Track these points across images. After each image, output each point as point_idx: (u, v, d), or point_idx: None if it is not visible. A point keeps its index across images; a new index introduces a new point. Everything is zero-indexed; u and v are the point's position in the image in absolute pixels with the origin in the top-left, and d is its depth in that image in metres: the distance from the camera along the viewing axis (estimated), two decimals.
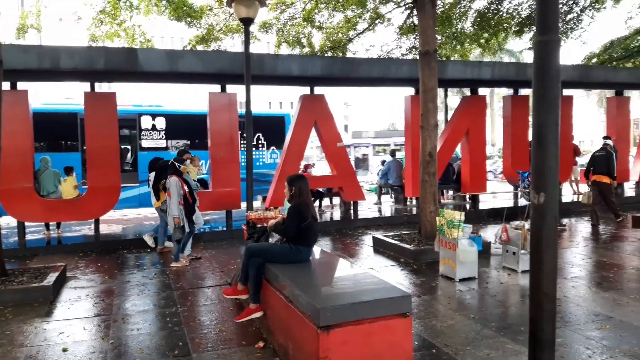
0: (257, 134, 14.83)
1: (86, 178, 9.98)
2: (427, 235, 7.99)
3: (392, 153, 14.65)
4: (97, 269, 7.58)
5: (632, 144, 17.40)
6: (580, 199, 11.64)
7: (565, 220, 10.89)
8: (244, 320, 4.65)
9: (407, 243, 7.90)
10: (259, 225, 5.16)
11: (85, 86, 9.66)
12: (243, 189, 10.22)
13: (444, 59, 15.29)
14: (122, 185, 9.92)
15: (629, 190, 14.25)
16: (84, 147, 10.87)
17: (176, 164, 7.39)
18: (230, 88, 10.39)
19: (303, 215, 4.57)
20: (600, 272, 6.72)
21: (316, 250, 5.04)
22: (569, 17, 13.71)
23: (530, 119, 2.56)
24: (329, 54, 14.64)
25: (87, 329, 4.93)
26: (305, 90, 11.10)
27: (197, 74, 9.72)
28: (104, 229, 10.59)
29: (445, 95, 16.54)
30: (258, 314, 4.56)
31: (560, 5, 13.38)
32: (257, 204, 9.02)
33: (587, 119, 44.47)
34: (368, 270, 6.94)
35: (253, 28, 14.64)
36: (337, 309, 3.21)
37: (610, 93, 14.75)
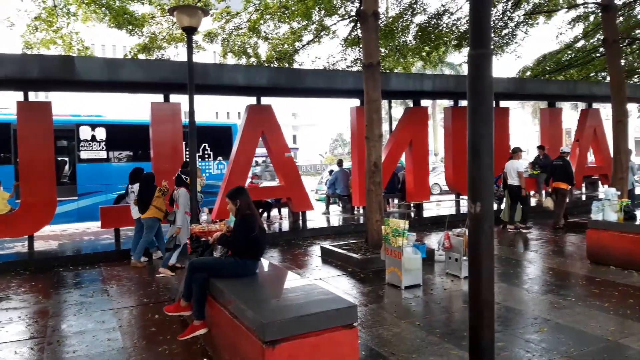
0: (203, 145, 14.58)
1: (18, 191, 9.43)
2: (373, 244, 8.08)
3: (340, 163, 14.78)
4: (31, 288, 7.15)
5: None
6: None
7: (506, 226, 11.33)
8: (188, 338, 4.50)
9: (355, 252, 7.96)
10: (203, 239, 5.03)
11: (19, 95, 9.16)
12: None
13: (388, 71, 15.66)
14: (59, 199, 9.44)
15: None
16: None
17: (183, 176, 7.61)
18: (175, 98, 10.17)
19: (251, 227, 4.51)
20: (539, 275, 7.03)
21: (263, 263, 4.98)
22: (504, 32, 14.39)
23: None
24: (276, 64, 14.65)
25: (19, 353, 4.62)
26: (252, 100, 11.04)
27: (139, 83, 9.43)
28: (39, 245, 10.01)
29: (390, 107, 16.97)
30: (202, 331, 4.43)
31: (496, 21, 14.09)
32: (205, 216, 8.84)
33: (523, 129, 46.69)
34: (315, 281, 6.93)
35: (198, 37, 14.43)
36: (282, 323, 3.16)
37: (543, 104, 15.57)
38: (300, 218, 11.84)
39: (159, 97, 10.08)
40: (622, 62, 15.17)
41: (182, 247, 7.40)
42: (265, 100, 11.27)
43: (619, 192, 7.73)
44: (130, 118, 14.44)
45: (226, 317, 3.87)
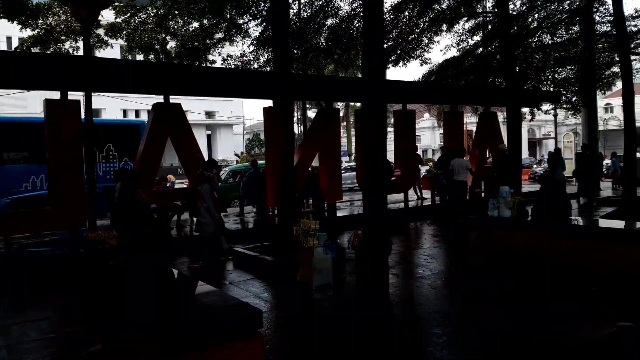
0: (108, 145, 13.75)
1: None
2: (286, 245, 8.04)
3: (253, 164, 14.60)
4: None
5: (467, 153, 19.53)
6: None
7: (412, 224, 11.80)
8: (83, 355, 4.17)
9: (267, 254, 7.87)
10: (99, 247, 4.68)
11: None
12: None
13: (301, 72, 15.74)
14: None
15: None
16: None
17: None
18: (75, 95, 9.45)
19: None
20: (441, 270, 7.37)
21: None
22: (410, 37, 15.01)
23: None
24: (186, 62, 14.17)
25: None
26: (160, 98, 10.57)
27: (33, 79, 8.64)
28: None
29: (304, 108, 17.06)
30: (97, 348, 4.12)
31: (403, 27, 14.65)
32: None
33: (430, 132, 49.22)
34: (226, 286, 6.77)
35: (101, 31, 13.60)
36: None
37: (447, 107, 16.44)
38: None
39: (55, 94, 9.32)
40: (516, 68, 16.47)
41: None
42: (175, 99, 10.83)
43: (512, 190, 8.31)
44: (26, 115, 13.26)
45: None
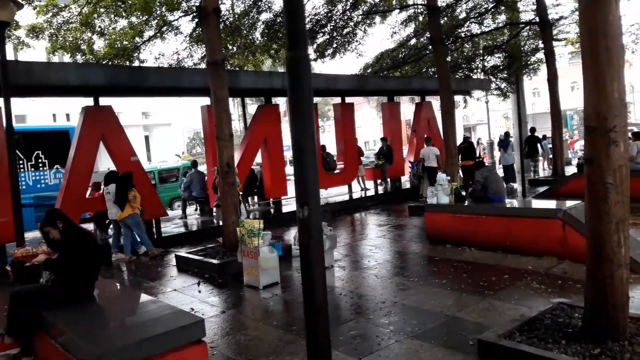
0: (36, 152, 13.02)
1: None
2: (231, 247, 7.91)
3: (194, 164, 14.26)
4: None
5: (406, 142, 20.04)
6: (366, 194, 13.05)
7: (357, 215, 11.94)
8: None
9: (212, 257, 7.72)
10: (27, 264, 4.42)
11: None
12: (27, 216, 8.93)
13: (238, 68, 15.49)
14: None
15: (405, 182, 16.36)
16: None
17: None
18: None
19: (84, 246, 4.06)
20: (386, 260, 7.51)
21: (101, 284, 4.53)
22: (345, 31, 15.10)
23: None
24: (116, 62, 13.58)
25: None
26: (89, 101, 10.10)
27: None
28: None
29: (243, 105, 16.83)
30: None
31: (338, 20, 14.71)
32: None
33: (371, 123, 49.95)
34: (169, 293, 6.59)
35: (21, 33, 12.79)
36: (121, 351, 2.89)
37: (384, 99, 16.74)
38: (154, 225, 11.17)
39: None
40: (448, 58, 16.97)
41: None
42: (105, 101, 10.38)
43: (449, 177, 8.60)
44: None
45: (58, 352, 3.44)
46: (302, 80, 2.38)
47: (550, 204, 7.68)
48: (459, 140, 13.71)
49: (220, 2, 13.98)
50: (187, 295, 6.41)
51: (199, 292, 6.55)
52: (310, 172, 2.34)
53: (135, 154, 10.79)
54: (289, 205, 13.23)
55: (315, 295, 2.40)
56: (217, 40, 8.17)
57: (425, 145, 13.89)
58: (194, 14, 13.09)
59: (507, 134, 16.15)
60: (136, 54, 14.16)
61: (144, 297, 4.24)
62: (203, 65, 14.37)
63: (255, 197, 14.37)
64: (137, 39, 13.88)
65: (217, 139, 8.14)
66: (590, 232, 3.75)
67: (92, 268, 4.13)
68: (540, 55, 17.06)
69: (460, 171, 12.91)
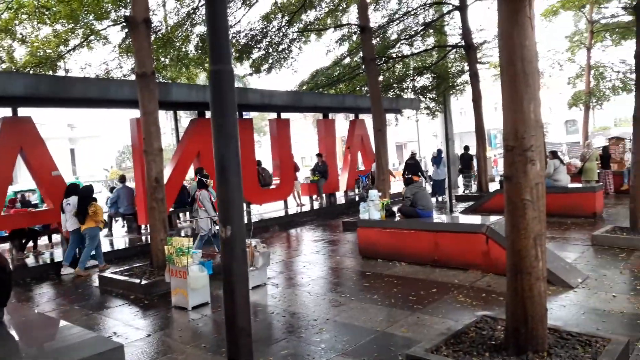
0: None
1: None
2: (159, 266, 7.59)
3: (122, 179, 13.65)
4: None
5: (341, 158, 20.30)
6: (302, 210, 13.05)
7: (292, 231, 11.89)
8: None
9: (138, 277, 7.36)
10: None
11: None
12: None
13: (170, 81, 15.11)
14: None
15: (339, 198, 16.54)
16: None
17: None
18: None
19: None
20: (319, 276, 7.49)
21: (13, 308, 4.17)
22: (280, 47, 15.17)
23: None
24: (39, 71, 12.82)
25: None
26: (7, 111, 9.45)
27: None
28: None
29: (176, 118, 16.39)
30: None
31: (273, 37, 14.76)
32: None
33: (308, 139, 50.30)
34: (91, 316, 6.19)
35: None
36: None
37: (319, 115, 16.91)
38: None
39: None
40: (380, 77, 17.47)
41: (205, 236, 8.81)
42: (24, 112, 9.75)
43: (380, 193, 8.76)
44: None
45: None
46: (225, 94, 2.31)
47: (475, 219, 8.01)
48: (392, 155, 14.11)
49: (152, 13, 13.69)
50: (111, 319, 6.05)
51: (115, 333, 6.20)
52: (234, 190, 2.27)
53: (56, 168, 10.18)
54: None
55: (237, 318, 2.31)
56: (147, 52, 7.92)
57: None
58: (123, 23, 12.65)
59: (439, 151, 16.83)
60: (60, 63, 13.49)
61: (59, 322, 3.94)
62: (133, 77, 13.90)
63: (187, 214, 13.95)
64: (61, 47, 13.23)
65: (145, 153, 7.84)
66: (510, 247, 3.91)
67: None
68: (466, 77, 17.96)
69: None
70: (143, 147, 7.90)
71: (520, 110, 3.75)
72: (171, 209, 12.16)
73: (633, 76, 15.33)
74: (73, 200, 8.89)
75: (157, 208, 7.82)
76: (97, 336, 3.35)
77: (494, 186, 16.06)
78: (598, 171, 14.09)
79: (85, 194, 8.83)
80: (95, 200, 8.87)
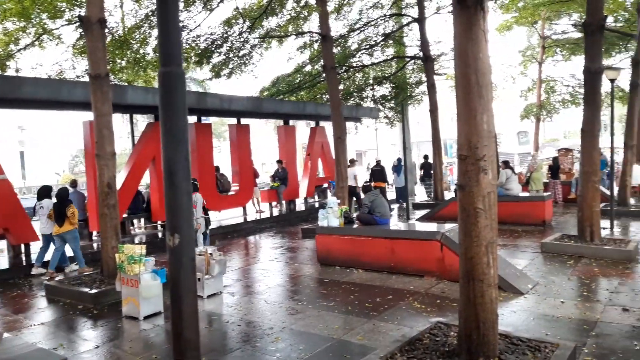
0: None
1: None
2: (109, 274, 7.33)
3: (73, 184, 13.15)
4: None
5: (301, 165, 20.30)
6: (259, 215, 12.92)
7: (251, 238, 11.76)
8: None
9: (87, 286, 7.08)
10: None
11: None
12: None
13: (127, 83, 14.73)
14: None
15: (299, 205, 16.50)
16: None
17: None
18: None
19: None
20: (277, 283, 7.42)
21: None
22: (241, 53, 15.06)
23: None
24: None
25: None
26: None
27: None
28: None
29: (132, 122, 15.97)
30: None
31: (234, 42, 14.64)
32: None
33: (269, 145, 50.07)
34: (36, 327, 5.91)
35: None
36: None
37: (280, 122, 16.86)
38: (23, 252, 10.06)
39: None
40: (341, 86, 17.61)
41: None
42: None
43: (339, 200, 8.80)
44: None
45: None
46: (175, 96, 2.25)
47: (431, 226, 8.15)
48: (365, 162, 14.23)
49: (109, 14, 13.33)
50: (56, 330, 5.79)
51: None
52: (182, 196, 2.20)
53: (2, 172, 9.70)
54: None
55: (184, 330, 2.23)
56: (101, 53, 7.69)
57: (349, 165, 14.72)
58: (78, 23, 12.26)
59: (399, 160, 17.14)
60: (10, 63, 12.92)
61: (1, 334, 3.73)
62: (87, 78, 13.46)
63: (142, 220, 13.59)
64: (12, 46, 12.68)
65: (97, 157, 7.58)
66: (463, 254, 3.99)
67: None
68: (424, 87, 18.36)
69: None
70: (95, 151, 7.64)
71: (474, 121, 3.84)
72: (125, 215, 11.82)
73: (582, 90, 16.10)
74: (46, 203, 8.88)
75: (109, 214, 7.56)
76: (40, 349, 3.19)
77: (449, 195, 16.42)
78: (547, 181, 14.67)
79: (62, 197, 8.72)
80: (71, 202, 8.71)
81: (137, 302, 5.85)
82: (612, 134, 10.32)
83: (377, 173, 15.68)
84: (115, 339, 5.39)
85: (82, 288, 6.99)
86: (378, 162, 16.10)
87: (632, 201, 12.86)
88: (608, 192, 11.29)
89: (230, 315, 5.94)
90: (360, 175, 15.66)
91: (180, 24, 14.04)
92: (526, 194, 12.12)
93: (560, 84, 24.40)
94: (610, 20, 18.48)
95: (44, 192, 9.23)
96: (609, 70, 10.09)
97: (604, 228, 9.14)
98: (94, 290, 6.81)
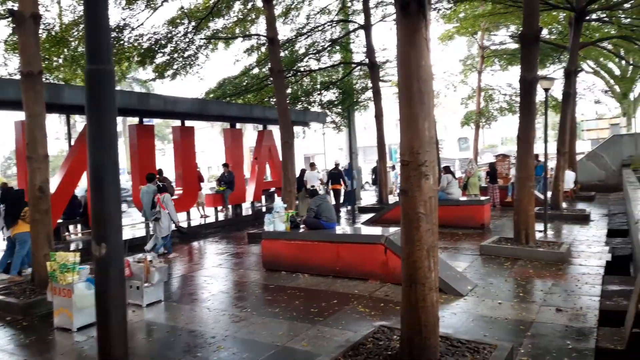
0: None
1: None
2: (41, 283, 6.89)
3: (4, 186, 12.33)
4: None
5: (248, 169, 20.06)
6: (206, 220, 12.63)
7: (195, 244, 11.47)
8: None
9: (16, 296, 6.64)
10: None
11: None
12: None
13: (64, 82, 14.04)
14: None
15: (245, 209, 16.28)
16: None
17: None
18: None
19: None
20: (220, 290, 7.25)
21: None
22: (187, 53, 14.72)
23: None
24: None
25: None
26: None
27: None
28: None
29: (68, 122, 15.22)
30: None
31: (179, 42, 14.29)
32: None
33: (215, 148, 49.23)
34: None
35: None
36: None
37: (226, 125, 16.61)
38: None
39: None
40: (289, 90, 17.58)
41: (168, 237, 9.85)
42: None
43: (285, 205, 8.74)
44: None
45: None
46: (103, 96, 2.11)
47: (375, 230, 8.25)
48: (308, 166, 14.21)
49: (44, 9, 12.67)
50: None
51: None
52: (110, 203, 2.07)
53: None
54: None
55: (113, 349, 2.09)
56: (34, 49, 7.25)
57: (309, 169, 15.99)
58: (9, 18, 11.55)
59: (350, 165, 17.33)
60: None
61: None
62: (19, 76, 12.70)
63: (79, 226, 12.94)
64: None
65: (29, 160, 7.13)
66: (405, 258, 4.04)
67: None
68: (370, 93, 18.64)
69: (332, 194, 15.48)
70: (27, 153, 7.19)
71: (416, 127, 3.91)
72: (59, 221, 11.22)
73: (518, 99, 16.89)
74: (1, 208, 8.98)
75: (41, 220, 7.13)
76: None
77: (394, 199, 16.73)
78: (486, 185, 15.25)
79: (18, 198, 8.69)
80: (26, 204, 8.25)
81: (70, 312, 5.54)
82: (545, 141, 10.86)
83: (335, 176, 16.01)
84: (45, 353, 5.08)
85: (9, 298, 6.55)
86: (337, 165, 16.32)
87: (564, 205, 13.58)
88: (542, 197, 11.86)
89: (171, 325, 5.74)
90: (324, 177, 16.57)
91: (122, 22, 13.60)
92: (466, 198, 12.54)
93: (498, 92, 25.47)
94: (545, 33, 19.52)
95: (5, 193, 9.25)
96: (543, 80, 10.63)
97: (538, 231, 9.58)
98: (23, 301, 6.39)
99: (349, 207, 15.95)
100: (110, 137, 2.14)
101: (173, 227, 9.83)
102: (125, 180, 24.63)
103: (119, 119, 42.02)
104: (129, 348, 4.95)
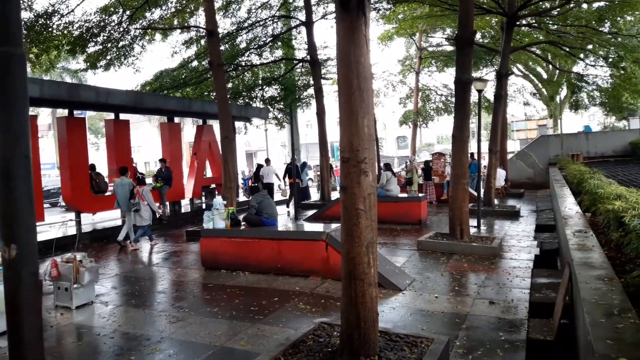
0: None
1: None
2: None
3: None
4: None
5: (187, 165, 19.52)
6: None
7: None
8: None
9: None
10: None
11: None
12: None
13: None
14: None
15: (184, 206, 15.85)
16: None
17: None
18: None
19: None
20: (157, 290, 7.01)
21: None
22: (121, 44, 14.11)
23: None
24: None
25: None
26: None
27: None
28: None
29: None
30: None
31: (113, 32, 13.65)
32: None
33: (153, 143, 47.61)
34: None
35: None
36: None
37: (164, 119, 16.06)
38: None
39: None
40: (230, 85, 17.26)
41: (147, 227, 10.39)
42: None
43: (225, 202, 8.56)
44: None
45: None
46: (12, 82, 1.92)
47: (317, 226, 8.25)
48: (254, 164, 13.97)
49: None
50: None
51: None
52: (21, 200, 1.88)
53: None
54: (46, 232, 11.49)
55: (26, 357, 1.91)
56: None
57: (265, 165, 16.27)
58: None
59: (304, 163, 17.55)
60: None
61: None
62: None
63: None
64: None
65: None
66: (345, 254, 4.05)
67: None
68: (312, 90, 18.70)
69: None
70: None
71: (355, 124, 3.91)
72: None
73: (453, 99, 17.51)
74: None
75: None
76: None
77: (335, 195, 16.88)
78: (421, 182, 15.71)
79: None
80: None
81: None
82: (478, 141, 11.32)
83: (291, 171, 15.97)
84: None
85: None
86: (292, 160, 16.27)
87: (496, 202, 14.22)
88: (476, 194, 12.35)
89: (103, 327, 5.46)
90: (279, 172, 16.90)
91: (51, 8, 12.81)
92: (405, 195, 12.84)
93: (435, 93, 26.32)
94: (478, 37, 20.34)
95: None
96: (477, 82, 11.06)
97: (472, 226, 9.96)
98: None
99: (302, 203, 16.01)
100: (22, 128, 1.95)
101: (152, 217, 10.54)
102: (55, 175, 23.26)
103: (48, 111, 39.69)
104: (56, 353, 4.69)
